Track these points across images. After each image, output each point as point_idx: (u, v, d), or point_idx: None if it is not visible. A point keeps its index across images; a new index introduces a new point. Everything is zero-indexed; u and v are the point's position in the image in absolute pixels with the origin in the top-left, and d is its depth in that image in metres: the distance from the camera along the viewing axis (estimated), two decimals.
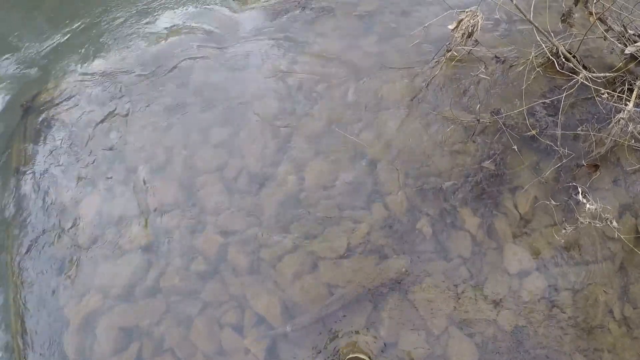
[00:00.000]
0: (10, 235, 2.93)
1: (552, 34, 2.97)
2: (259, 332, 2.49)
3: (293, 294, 2.56)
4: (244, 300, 2.57)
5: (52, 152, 3.19)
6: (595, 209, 2.47)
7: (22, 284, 2.77)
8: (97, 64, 3.55)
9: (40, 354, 2.61)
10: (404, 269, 2.48)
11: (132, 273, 2.68)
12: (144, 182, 2.95)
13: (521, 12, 2.83)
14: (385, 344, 2.49)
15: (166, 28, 3.70)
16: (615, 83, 3.12)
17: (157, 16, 3.88)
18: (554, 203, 2.61)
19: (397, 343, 2.49)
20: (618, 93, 2.89)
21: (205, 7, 3.88)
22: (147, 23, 3.81)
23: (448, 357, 2.48)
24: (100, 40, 3.76)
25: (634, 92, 2.97)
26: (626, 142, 2.81)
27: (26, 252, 2.84)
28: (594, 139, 2.86)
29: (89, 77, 3.52)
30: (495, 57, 3.19)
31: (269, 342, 2.47)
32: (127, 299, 2.62)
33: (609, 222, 2.49)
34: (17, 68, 3.69)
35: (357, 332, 2.47)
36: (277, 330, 2.42)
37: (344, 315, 2.49)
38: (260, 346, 2.47)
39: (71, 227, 2.85)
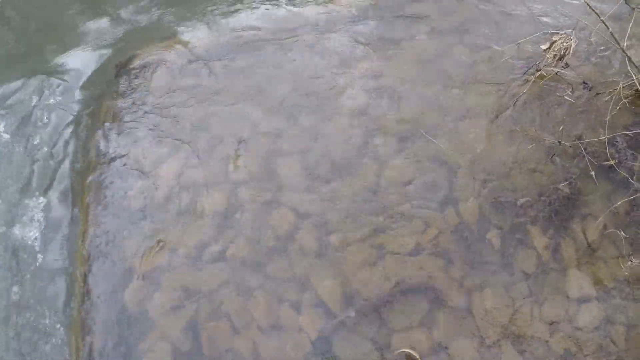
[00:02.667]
0: (86, 184, 3.43)
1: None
2: (317, 313, 2.98)
3: (355, 282, 3.04)
4: (307, 281, 3.03)
5: (138, 113, 3.68)
6: None
7: (92, 228, 3.26)
8: (194, 38, 4.08)
9: (99, 298, 3.09)
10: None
11: (202, 236, 3.16)
12: (226, 154, 3.42)
13: (616, 40, 3.33)
14: (437, 345, 2.96)
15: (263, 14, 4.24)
16: None
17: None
18: (624, 235, 3.10)
19: (448, 347, 2.97)
20: None
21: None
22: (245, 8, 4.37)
23: None
24: (200, 16, 4.30)
25: None
26: None
27: (100, 201, 3.34)
28: None
29: (184, 48, 4.03)
30: (583, 82, 3.69)
31: (323, 324, 2.95)
32: (194, 260, 3.09)
33: None
34: (115, 31, 4.22)
35: (411, 328, 2.95)
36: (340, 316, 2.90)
37: (402, 310, 2.97)
38: (315, 327, 2.96)
39: (149, 184, 3.34)
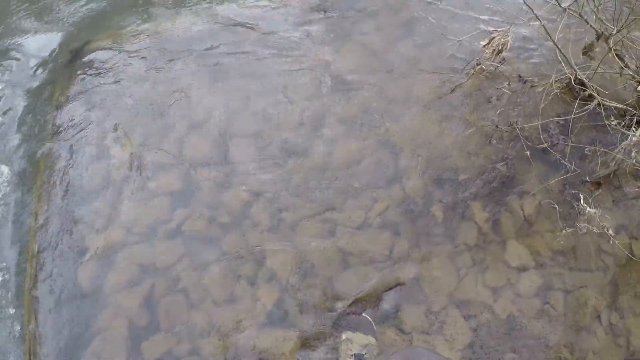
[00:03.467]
0: (41, 165, 3.75)
1: (573, 62, 4.05)
2: (271, 286, 3.31)
3: (308, 255, 3.40)
4: (261, 256, 3.39)
5: (93, 96, 4.06)
6: (595, 213, 3.42)
7: (44, 209, 3.55)
8: (149, 26, 4.53)
9: (52, 278, 3.35)
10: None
11: (157, 214, 3.48)
12: (180, 136, 3.78)
13: (548, 33, 3.88)
14: (386, 312, 3.30)
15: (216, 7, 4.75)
16: (625, 115, 4.18)
17: None
18: (558, 208, 3.56)
19: (399, 313, 3.32)
20: (627, 124, 3.94)
21: None
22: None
23: (444, 333, 3.30)
24: (155, 7, 4.78)
25: None
26: (628, 168, 3.83)
27: (54, 180, 3.64)
28: (599, 160, 3.87)
29: (140, 35, 4.47)
30: (519, 76, 4.23)
31: (277, 295, 3.28)
32: (149, 237, 3.41)
33: (605, 230, 3.42)
34: (71, 16, 4.65)
35: (363, 296, 3.30)
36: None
37: (352, 280, 3.33)
38: (269, 298, 3.28)
39: (103, 165, 3.68)
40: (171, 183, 3.48)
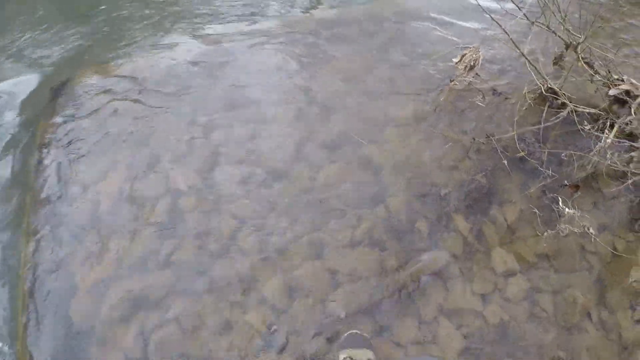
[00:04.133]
0: (26, 203, 4.48)
1: (543, 72, 4.93)
2: (263, 310, 4.01)
3: (298, 277, 4.11)
4: (251, 281, 4.02)
5: (75, 132, 4.82)
6: (574, 214, 4.21)
7: (35, 246, 4.24)
8: (128, 63, 5.42)
9: (45, 314, 3.92)
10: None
11: (146, 247, 4.11)
12: (165, 168, 4.47)
13: (517, 46, 4.76)
14: (380, 327, 3.98)
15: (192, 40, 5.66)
16: (598, 120, 5.04)
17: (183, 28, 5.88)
18: (539, 213, 4.35)
19: (391, 327, 4.02)
20: (601, 129, 4.79)
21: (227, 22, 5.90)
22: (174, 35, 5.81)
23: (437, 342, 3.99)
24: (133, 42, 5.68)
25: (615, 128, 4.91)
26: (604, 170, 4.65)
27: (42, 219, 4.36)
28: (576, 164, 4.69)
29: (118, 73, 5.34)
30: (493, 89, 5.10)
31: (270, 320, 3.98)
32: (140, 269, 4.04)
33: (586, 229, 4.22)
34: (52, 53, 5.52)
35: (356, 314, 4.01)
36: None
37: (343, 299, 4.04)
38: (262, 323, 3.97)
39: (91, 200, 4.38)
40: (158, 214, 4.22)
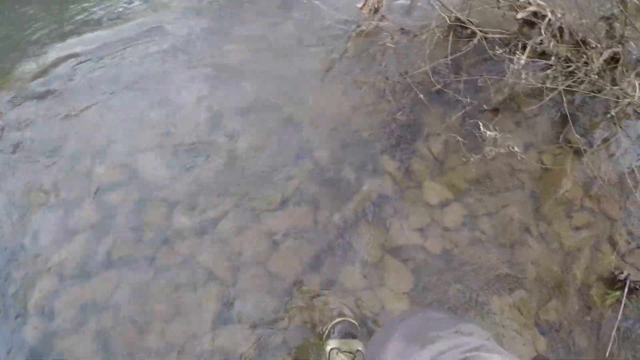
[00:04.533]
0: None
1: (448, 5, 5.36)
2: (212, 287, 4.23)
3: (237, 247, 4.34)
4: (193, 260, 4.18)
5: None
6: (495, 136, 4.63)
7: None
8: (28, 69, 5.51)
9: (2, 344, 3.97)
10: None
11: (83, 251, 4.17)
12: (87, 167, 4.61)
13: None
14: (326, 281, 4.27)
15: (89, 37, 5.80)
16: (510, 44, 5.52)
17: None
18: (463, 140, 4.76)
19: (337, 278, 4.31)
20: (513, 51, 5.25)
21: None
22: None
23: (386, 283, 4.32)
24: (28, 48, 5.78)
25: (527, 48, 5.39)
26: (521, 90, 5.11)
27: None
28: (492, 89, 5.13)
29: (21, 79, 5.43)
30: (401, 29, 5.50)
31: (218, 293, 4.20)
32: (82, 276, 4.10)
33: (511, 148, 4.64)
34: None
35: (300, 273, 4.28)
36: None
37: (286, 260, 4.31)
38: (213, 300, 4.18)
39: (18, 217, 4.50)
40: (89, 216, 4.37)
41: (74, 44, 5.68)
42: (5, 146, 4.78)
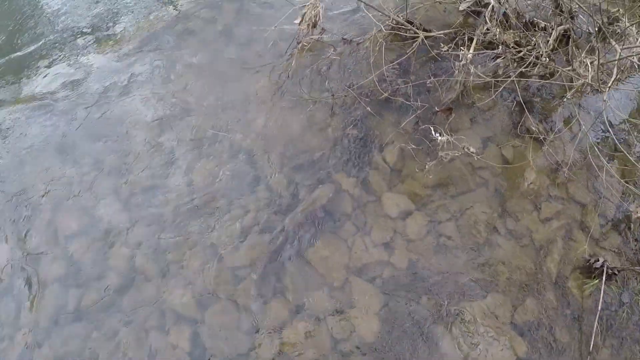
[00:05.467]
0: None
1: (389, 9, 5.26)
2: (181, 326, 4.15)
3: (202, 284, 4.18)
4: (160, 302, 4.08)
5: None
6: (447, 139, 4.55)
7: None
8: None
9: None
10: None
11: (53, 305, 4.14)
12: (48, 219, 4.54)
13: None
14: (295, 307, 4.19)
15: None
16: (455, 38, 5.43)
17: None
18: (414, 147, 4.67)
19: (305, 304, 4.21)
20: (460, 46, 5.16)
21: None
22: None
23: (354, 304, 4.24)
24: None
25: (474, 41, 5.31)
26: (472, 85, 5.03)
27: None
28: (443, 88, 5.04)
29: None
30: (343, 39, 5.38)
31: (189, 332, 4.13)
32: (55, 329, 4.05)
33: (466, 149, 4.56)
34: None
35: (269, 301, 4.20)
36: None
37: (252, 292, 4.23)
38: (184, 339, 4.12)
39: None
40: (55, 269, 4.30)
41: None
42: None
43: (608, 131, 4.69)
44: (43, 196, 4.73)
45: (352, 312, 4.03)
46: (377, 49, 4.92)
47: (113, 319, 4.08)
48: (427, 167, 4.33)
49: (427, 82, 4.79)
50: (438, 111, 4.70)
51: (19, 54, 6.07)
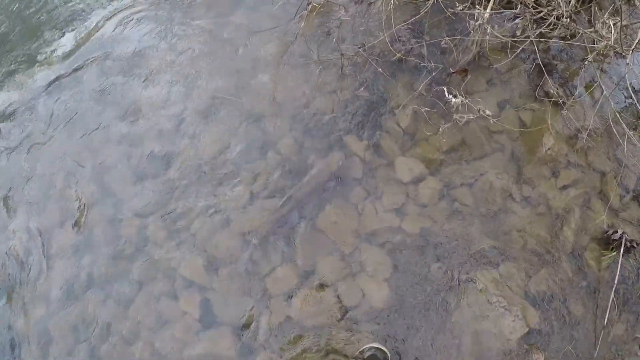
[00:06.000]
0: None
1: None
2: (191, 293, 4.07)
3: (213, 251, 4.08)
4: (171, 269, 4.06)
5: None
6: (462, 102, 4.37)
7: None
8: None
9: None
10: None
11: (66, 274, 4.15)
12: (62, 190, 4.56)
13: None
14: (305, 272, 4.09)
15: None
16: None
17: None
18: (427, 109, 4.50)
19: (315, 270, 4.12)
20: (477, 5, 4.95)
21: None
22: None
23: (365, 269, 4.12)
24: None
25: (490, 1, 5.09)
26: (488, 46, 4.83)
27: None
28: (458, 48, 4.84)
29: None
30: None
31: (199, 299, 4.05)
32: (68, 299, 4.07)
33: (482, 112, 4.39)
34: None
35: (277, 268, 4.10)
36: None
37: (262, 256, 4.14)
38: (194, 306, 4.05)
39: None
40: (69, 238, 4.26)
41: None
42: None
43: (631, 97, 4.48)
44: (51, 168, 4.65)
45: (361, 277, 3.94)
46: (389, 8, 4.68)
47: (124, 286, 4.12)
48: (441, 130, 4.15)
49: (442, 43, 4.58)
50: (453, 72, 4.52)
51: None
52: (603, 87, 4.48)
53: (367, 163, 4.20)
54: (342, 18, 4.82)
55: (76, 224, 4.37)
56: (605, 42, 4.28)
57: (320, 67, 4.64)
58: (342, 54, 4.57)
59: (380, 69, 4.44)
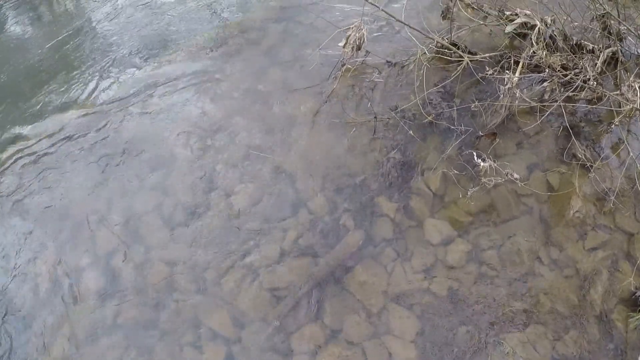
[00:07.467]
0: None
1: (434, 31, 5.31)
2: (216, 345, 4.29)
3: (239, 304, 4.37)
4: (197, 320, 4.26)
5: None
6: (490, 165, 4.58)
7: None
8: (33, 137, 5.72)
9: None
10: None
11: (91, 317, 4.32)
12: (90, 233, 4.75)
13: (389, 15, 5.17)
14: (331, 332, 4.28)
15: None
16: (502, 61, 5.45)
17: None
18: (457, 172, 4.71)
19: (342, 329, 4.32)
20: (506, 69, 5.18)
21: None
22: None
23: (391, 330, 4.31)
24: (35, 117, 5.99)
25: (520, 64, 5.32)
26: (517, 109, 5.05)
27: None
28: (487, 112, 5.06)
29: (26, 147, 5.63)
30: (387, 61, 5.49)
31: (224, 351, 4.28)
32: (92, 341, 4.23)
33: (509, 176, 4.58)
34: None
35: (303, 326, 4.31)
36: None
37: (289, 314, 4.36)
38: (218, 357, 4.27)
39: (28, 283, 4.65)
40: (95, 283, 4.51)
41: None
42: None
43: None
44: (84, 211, 4.91)
45: (387, 338, 4.09)
46: (421, 72, 4.94)
47: (149, 334, 4.24)
48: (469, 193, 4.34)
49: (472, 106, 4.80)
50: (482, 136, 4.72)
51: None
52: (629, 148, 4.61)
53: (398, 224, 4.40)
54: (375, 80, 5.05)
55: (103, 266, 4.59)
56: (632, 104, 4.44)
57: (353, 128, 4.88)
58: (375, 117, 4.81)
59: (411, 132, 4.65)
